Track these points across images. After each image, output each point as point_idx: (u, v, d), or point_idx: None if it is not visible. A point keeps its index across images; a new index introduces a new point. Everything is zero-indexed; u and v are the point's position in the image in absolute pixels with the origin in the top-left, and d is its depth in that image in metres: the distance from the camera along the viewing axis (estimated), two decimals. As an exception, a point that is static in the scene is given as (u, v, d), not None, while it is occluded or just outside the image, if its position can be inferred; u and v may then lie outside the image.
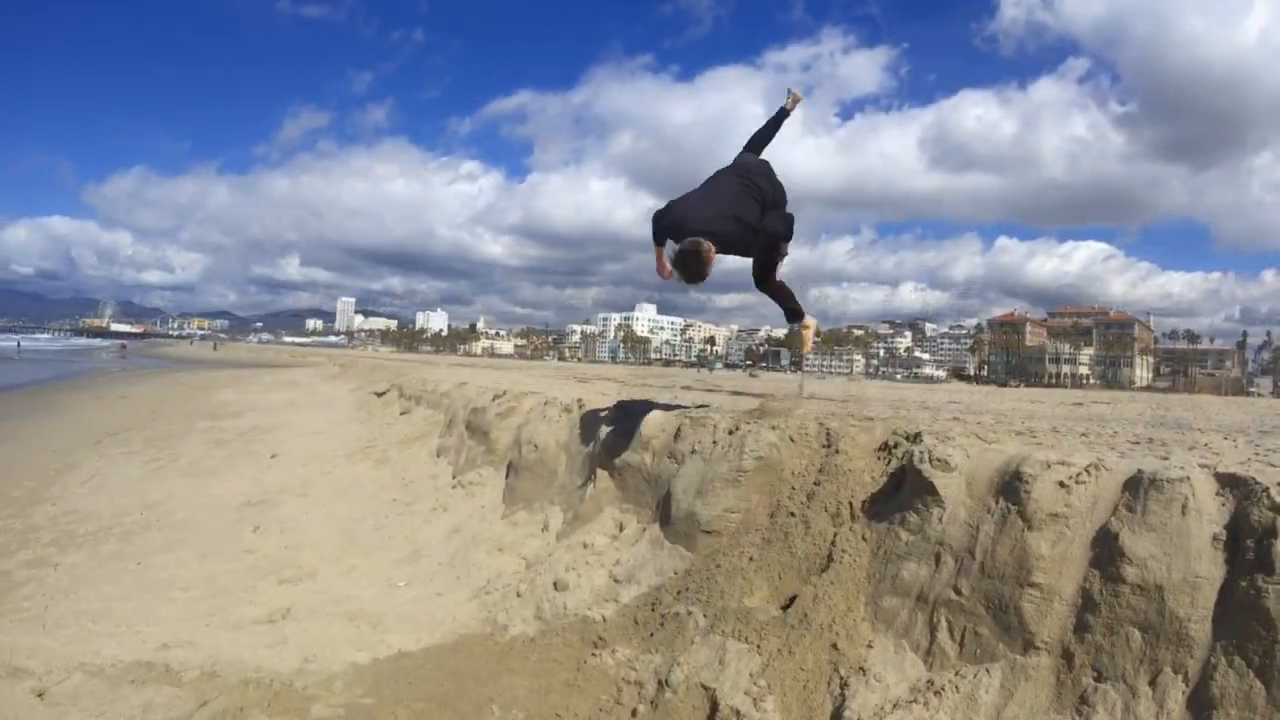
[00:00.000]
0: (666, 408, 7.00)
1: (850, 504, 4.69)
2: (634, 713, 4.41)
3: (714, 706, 4.16)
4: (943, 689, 3.58)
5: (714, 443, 5.75)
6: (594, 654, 4.96)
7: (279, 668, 5.36)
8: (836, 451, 5.09)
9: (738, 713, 4.01)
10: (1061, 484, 3.70)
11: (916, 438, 4.74)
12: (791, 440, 5.37)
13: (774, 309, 6.20)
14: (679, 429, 6.26)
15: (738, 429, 5.68)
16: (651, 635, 4.83)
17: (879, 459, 4.88)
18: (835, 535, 4.58)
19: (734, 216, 5.42)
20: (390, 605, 6.45)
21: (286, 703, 4.91)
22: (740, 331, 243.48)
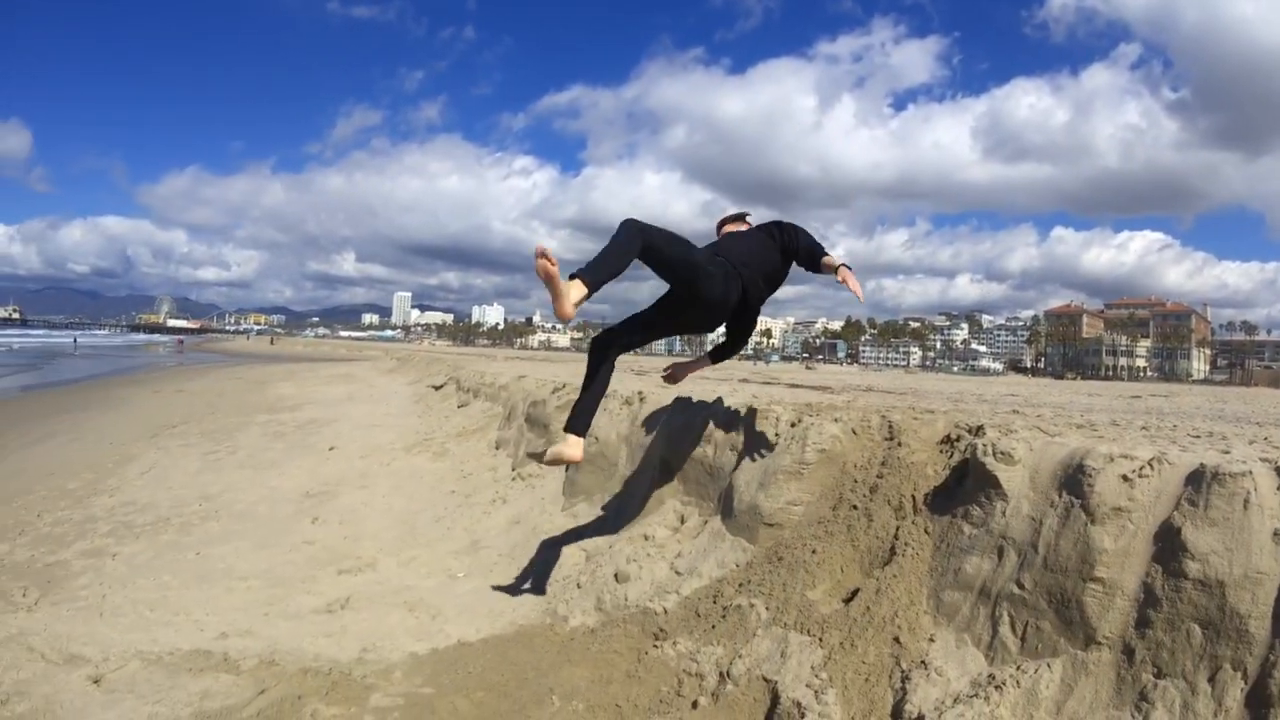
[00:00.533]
0: (724, 402, 7.02)
1: (913, 497, 4.73)
2: (695, 704, 4.44)
3: (775, 699, 4.18)
4: (1004, 683, 3.60)
5: (776, 435, 5.80)
6: (655, 645, 5.01)
7: (338, 656, 5.47)
8: (899, 444, 5.12)
9: (799, 705, 4.03)
10: (1124, 477, 3.71)
11: (979, 430, 4.78)
12: (854, 433, 5.44)
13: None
14: (741, 421, 6.29)
15: (800, 421, 5.73)
16: (713, 627, 4.86)
17: (941, 452, 4.91)
18: (898, 528, 4.62)
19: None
20: (450, 596, 6.55)
21: (345, 691, 5.00)
22: (797, 324, 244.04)
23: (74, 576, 7.11)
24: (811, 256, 5.58)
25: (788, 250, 5.65)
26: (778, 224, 5.77)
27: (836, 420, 5.55)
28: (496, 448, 11.19)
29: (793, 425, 5.74)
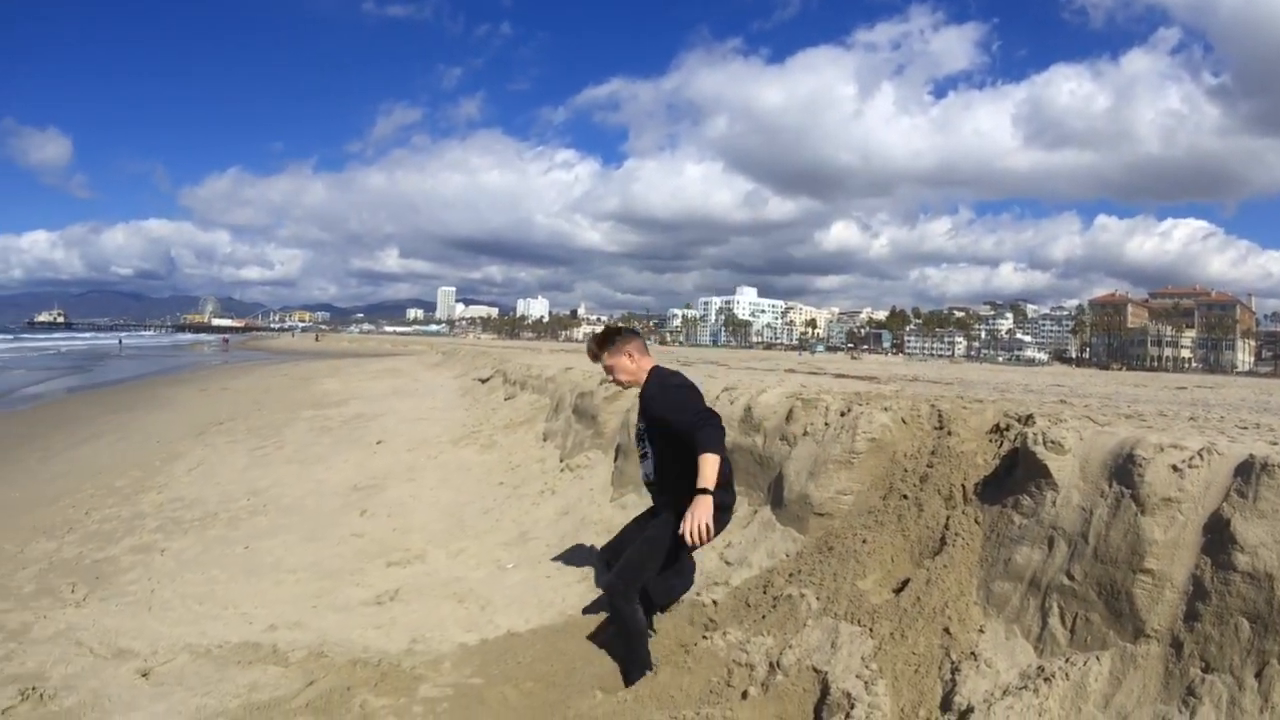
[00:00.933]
0: (773, 392, 7.06)
1: (963, 486, 4.74)
2: (744, 695, 4.45)
3: (825, 689, 4.20)
4: (1053, 675, 3.59)
5: (826, 424, 5.85)
6: (705, 636, 5.03)
7: (387, 648, 5.55)
8: (948, 433, 5.15)
9: (849, 696, 4.04)
10: (1174, 468, 3.69)
11: (1029, 420, 4.78)
12: (904, 422, 5.47)
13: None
14: (790, 411, 6.34)
15: (850, 410, 5.77)
16: (763, 617, 4.88)
17: (991, 441, 4.92)
18: (948, 518, 4.64)
19: None
20: (499, 587, 6.62)
21: (394, 682, 5.08)
22: (841, 314, 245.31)
23: (122, 572, 7.25)
24: None
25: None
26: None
27: (886, 409, 5.58)
28: (544, 439, 11.27)
29: (842, 414, 5.79)
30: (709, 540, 4.58)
